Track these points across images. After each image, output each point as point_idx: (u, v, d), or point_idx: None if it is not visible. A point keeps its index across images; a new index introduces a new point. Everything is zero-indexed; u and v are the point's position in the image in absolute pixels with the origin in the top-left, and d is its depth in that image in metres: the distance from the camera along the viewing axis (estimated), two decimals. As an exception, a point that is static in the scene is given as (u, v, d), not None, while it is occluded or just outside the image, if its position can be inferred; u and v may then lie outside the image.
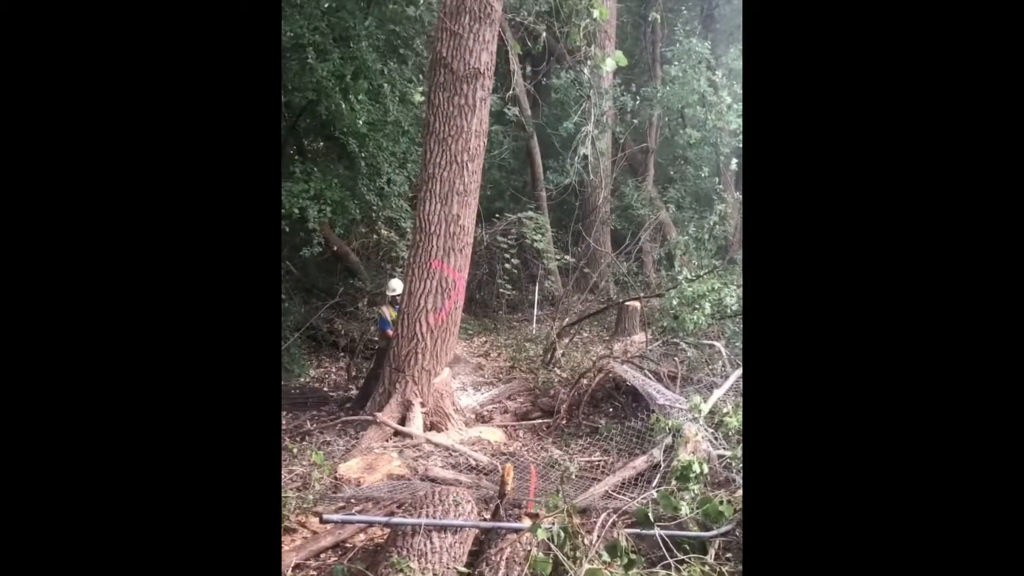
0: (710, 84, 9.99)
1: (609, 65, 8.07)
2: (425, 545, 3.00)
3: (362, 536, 3.83)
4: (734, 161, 10.32)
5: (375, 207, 8.49)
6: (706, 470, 4.06)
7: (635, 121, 9.58)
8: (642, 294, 9.07)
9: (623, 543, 2.93)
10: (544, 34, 8.89)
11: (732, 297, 7.50)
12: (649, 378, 6.13)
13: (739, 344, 7.05)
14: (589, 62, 9.10)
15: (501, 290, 9.33)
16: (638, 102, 10.26)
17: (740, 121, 10.74)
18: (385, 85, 7.99)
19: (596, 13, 7.35)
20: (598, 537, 2.95)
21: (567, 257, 9.96)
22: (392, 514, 3.59)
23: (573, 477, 4.61)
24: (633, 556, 2.95)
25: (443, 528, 3.13)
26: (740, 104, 10.81)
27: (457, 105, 5.80)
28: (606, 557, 2.87)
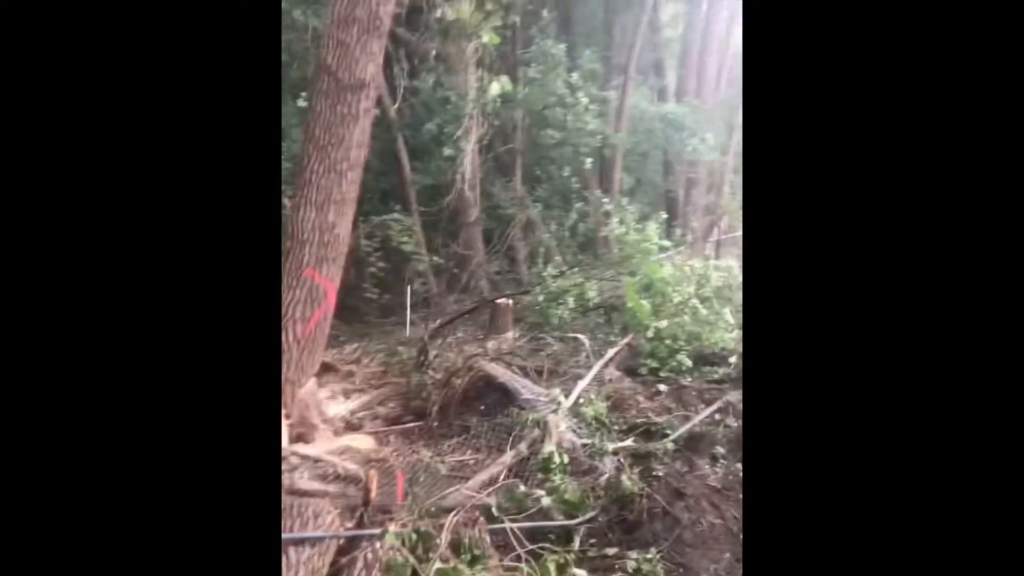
0: (568, 86, 10.32)
1: (495, 89, 8.14)
2: (281, 561, 2.93)
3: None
4: (588, 161, 10.73)
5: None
6: (566, 460, 4.22)
7: (497, 123, 9.74)
8: (511, 292, 9.25)
9: (466, 540, 3.00)
10: (434, 52, 8.85)
11: (594, 291, 7.81)
12: (517, 374, 6.27)
13: (601, 335, 7.35)
14: (476, 85, 9.13)
15: (367, 295, 9.20)
16: (499, 103, 10.43)
17: (597, 122, 11.17)
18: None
19: (486, 39, 7.37)
20: (448, 536, 3.00)
21: (435, 258, 9.97)
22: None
23: (441, 477, 4.65)
24: (476, 552, 3.03)
25: (301, 541, 3.07)
26: (596, 105, 11.24)
27: (340, 114, 5.69)
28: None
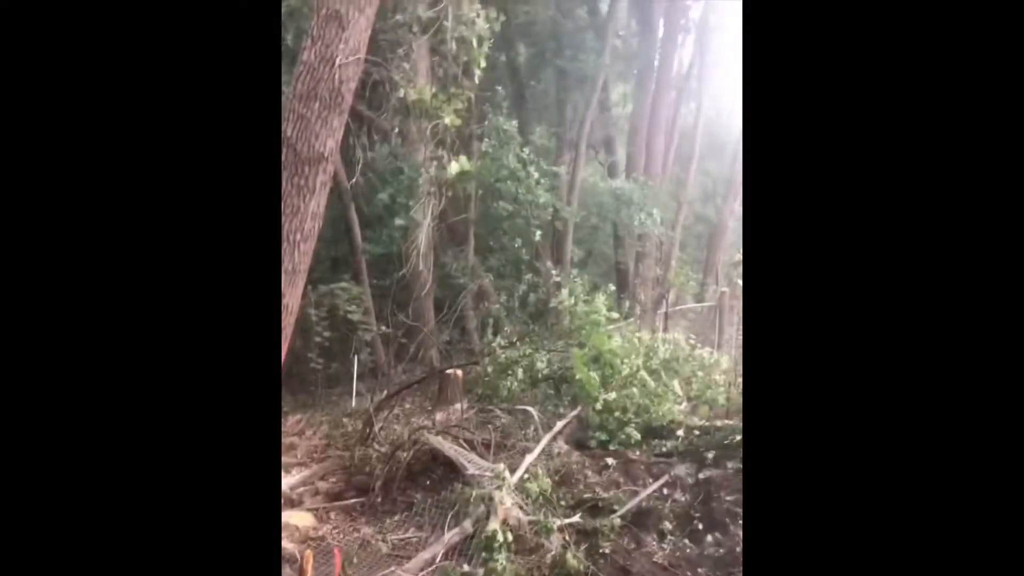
0: (520, 160, 10.57)
1: (453, 169, 8.28)
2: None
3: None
4: (538, 232, 10.92)
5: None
6: (510, 538, 4.10)
7: (450, 194, 9.87)
8: (460, 363, 9.16)
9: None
10: (395, 129, 8.98)
11: (543, 362, 7.78)
12: (464, 447, 6.14)
13: (550, 407, 7.29)
14: (435, 163, 9.29)
15: (313, 364, 9.00)
16: (454, 175, 10.59)
17: (548, 195, 11.42)
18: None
19: (448, 120, 7.53)
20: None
21: (383, 327, 9.86)
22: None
23: (382, 556, 4.46)
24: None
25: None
26: (548, 179, 11.51)
27: (296, 185, 5.68)
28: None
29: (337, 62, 5.12)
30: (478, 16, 7.64)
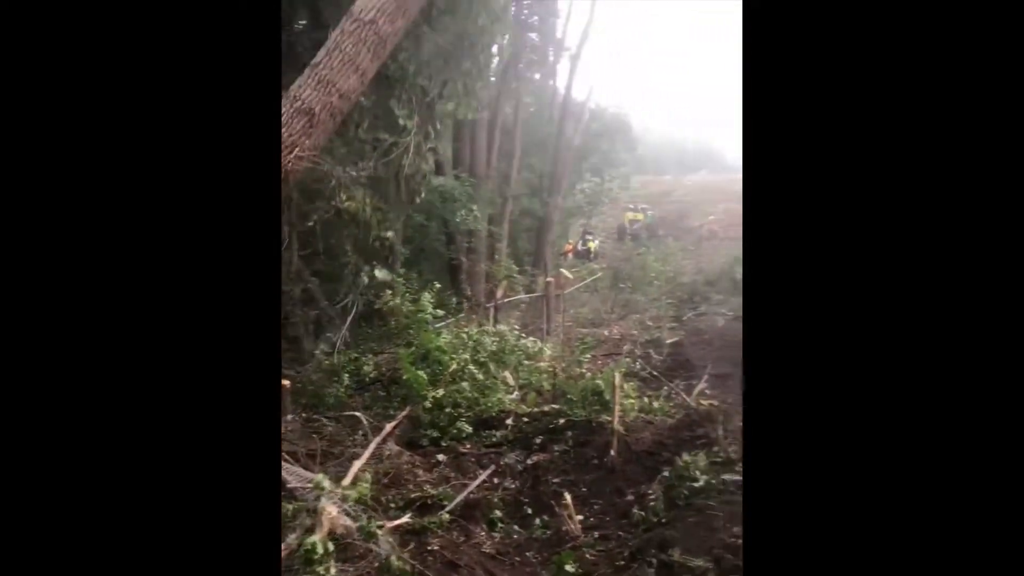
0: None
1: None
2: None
3: None
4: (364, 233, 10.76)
5: None
6: (331, 548, 4.00)
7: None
8: (289, 371, 8.79)
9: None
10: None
11: (370, 365, 7.66)
12: (288, 461, 5.90)
13: (379, 410, 7.20)
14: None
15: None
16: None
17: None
18: None
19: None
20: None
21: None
22: None
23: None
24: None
25: None
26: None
27: None
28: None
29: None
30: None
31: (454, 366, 7.26)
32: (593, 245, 22.78)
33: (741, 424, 6.61)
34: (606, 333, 12.87)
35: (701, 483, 5.22)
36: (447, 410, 6.90)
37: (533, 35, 19.99)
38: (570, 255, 21.68)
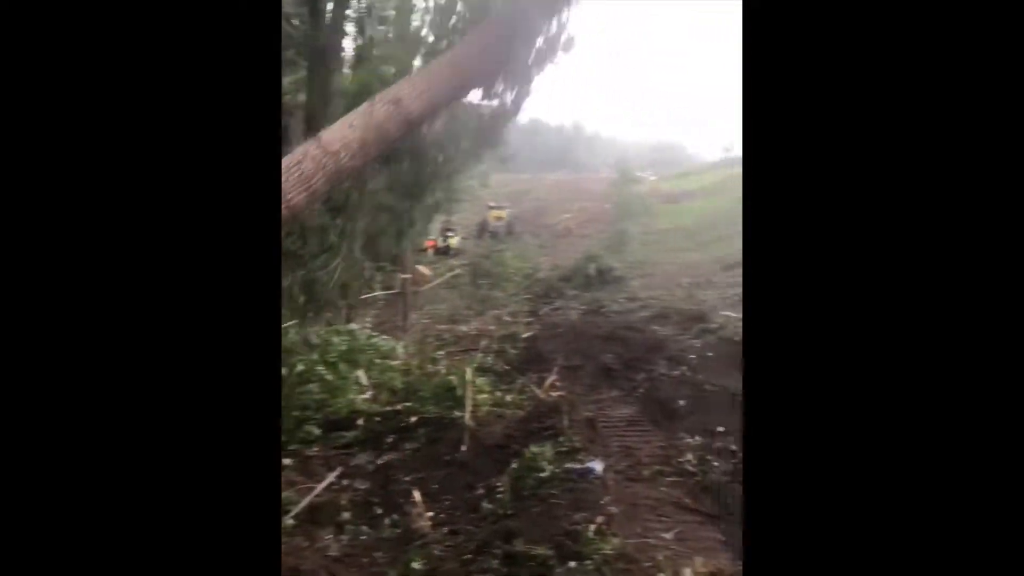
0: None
1: None
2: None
3: None
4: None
5: None
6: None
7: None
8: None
9: None
10: None
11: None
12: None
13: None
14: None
15: None
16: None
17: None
18: None
19: None
20: None
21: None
22: None
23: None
24: None
25: None
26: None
27: None
28: None
29: None
30: None
31: (300, 367, 7.03)
32: (454, 242, 22.82)
33: (587, 415, 6.90)
34: (464, 329, 12.91)
35: (547, 473, 5.38)
36: (294, 413, 6.66)
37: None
38: (430, 251, 21.60)
